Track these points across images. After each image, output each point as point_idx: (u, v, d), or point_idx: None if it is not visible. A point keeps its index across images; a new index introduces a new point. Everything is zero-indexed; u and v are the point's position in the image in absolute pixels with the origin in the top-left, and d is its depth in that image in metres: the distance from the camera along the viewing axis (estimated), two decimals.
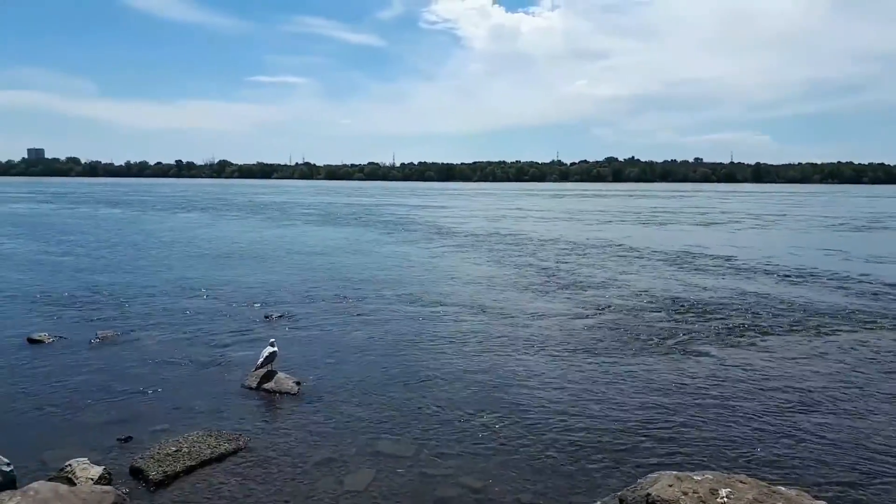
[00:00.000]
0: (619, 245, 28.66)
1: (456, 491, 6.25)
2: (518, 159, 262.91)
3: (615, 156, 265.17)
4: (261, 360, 9.17)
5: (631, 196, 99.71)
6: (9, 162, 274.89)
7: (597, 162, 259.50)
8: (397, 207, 61.95)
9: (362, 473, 6.58)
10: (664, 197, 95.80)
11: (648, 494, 5.29)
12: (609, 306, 14.95)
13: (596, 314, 14.15)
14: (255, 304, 14.85)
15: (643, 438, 7.53)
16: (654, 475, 5.68)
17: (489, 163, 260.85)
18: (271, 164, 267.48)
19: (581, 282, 18.47)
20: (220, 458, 6.83)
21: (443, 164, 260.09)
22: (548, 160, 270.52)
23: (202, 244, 28.23)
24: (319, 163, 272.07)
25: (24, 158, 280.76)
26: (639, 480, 5.77)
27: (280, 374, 9.24)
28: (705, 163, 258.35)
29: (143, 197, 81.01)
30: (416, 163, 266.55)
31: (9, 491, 5.76)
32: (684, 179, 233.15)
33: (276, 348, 9.26)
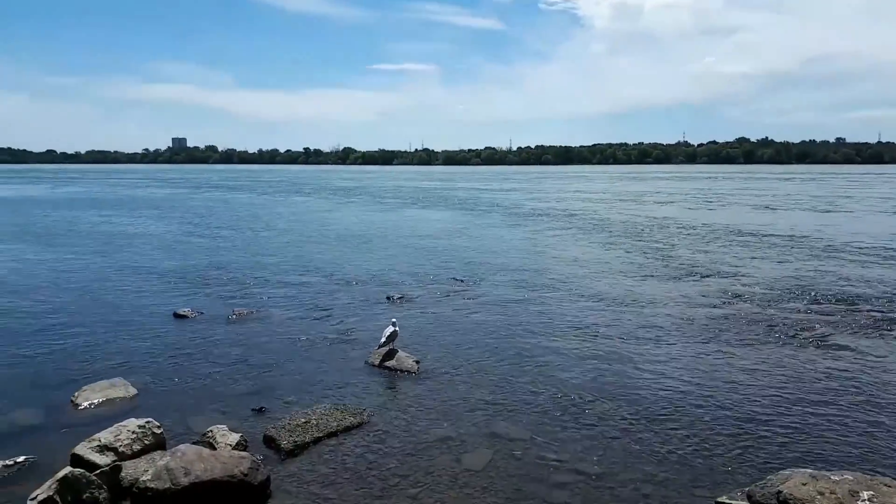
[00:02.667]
0: (749, 230, 27.06)
1: (573, 477, 6.20)
2: (641, 141, 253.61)
3: (746, 136, 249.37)
4: (383, 338, 9.49)
5: (764, 179, 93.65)
6: (156, 151, 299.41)
7: (727, 143, 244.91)
8: (509, 192, 61.71)
9: (480, 453, 6.67)
10: (802, 180, 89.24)
11: (780, 492, 5.02)
12: (737, 294, 14.19)
13: (722, 302, 13.49)
14: (376, 285, 15.36)
15: (772, 433, 7.12)
16: (786, 472, 5.38)
17: (609, 145, 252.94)
18: (392, 151, 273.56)
19: (705, 268, 17.64)
20: (346, 431, 7.16)
21: (560, 147, 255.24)
22: (673, 141, 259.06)
23: (322, 227, 29.52)
24: (437, 148, 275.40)
25: (168, 147, 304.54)
26: (768, 477, 5.49)
27: (401, 353, 9.52)
28: (848, 143, 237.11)
29: (270, 182, 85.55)
30: (532, 146, 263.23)
31: (160, 451, 6.37)
32: (824, 161, 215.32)
33: (397, 328, 9.55)
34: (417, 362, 9.38)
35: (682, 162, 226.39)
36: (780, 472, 5.46)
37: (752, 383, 8.71)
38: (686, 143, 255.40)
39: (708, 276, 16.38)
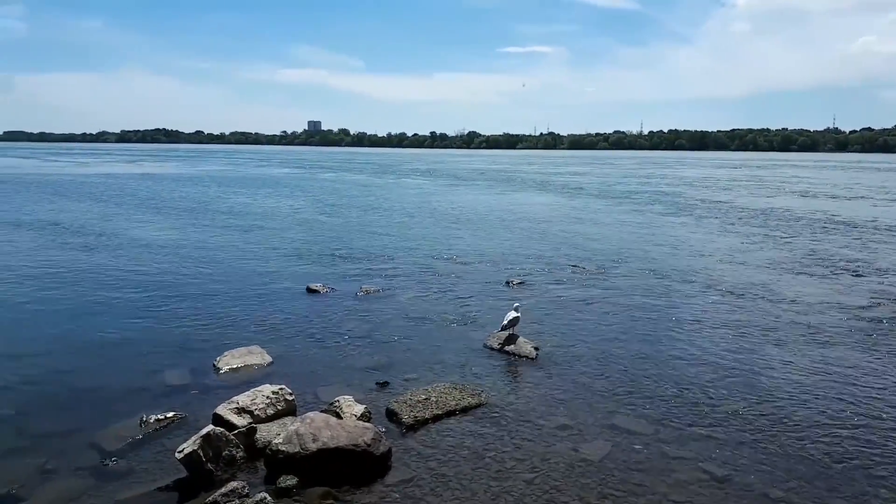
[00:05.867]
0: None
1: (696, 476, 5.96)
2: (785, 126, 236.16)
3: None
4: (504, 322, 9.52)
5: None
6: (293, 133, 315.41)
7: (884, 130, 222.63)
8: (631, 177, 59.62)
9: (598, 444, 6.56)
10: None
11: None
12: (889, 295, 12.98)
13: (870, 303, 12.38)
14: (494, 269, 15.42)
15: None
16: None
17: (750, 130, 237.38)
18: (516, 135, 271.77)
19: (853, 266, 16.23)
20: (464, 411, 7.28)
21: (696, 131, 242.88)
22: (821, 128, 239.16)
23: (443, 209, 29.92)
24: (563, 132, 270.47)
25: (304, 130, 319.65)
26: None
27: (521, 338, 9.52)
28: None
29: (395, 164, 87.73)
30: (665, 130, 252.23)
31: (290, 416, 6.79)
32: None
33: (519, 313, 9.54)
34: (537, 348, 9.34)
35: (830, 150, 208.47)
36: None
37: None
38: (836, 130, 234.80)
39: (859, 275, 15.08)
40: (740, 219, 26.81)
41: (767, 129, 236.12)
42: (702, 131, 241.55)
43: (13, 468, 5.93)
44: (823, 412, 7.37)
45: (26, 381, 8.07)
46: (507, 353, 9.30)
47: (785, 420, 7.16)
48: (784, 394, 7.91)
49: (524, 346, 9.36)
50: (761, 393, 7.94)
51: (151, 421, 6.80)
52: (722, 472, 6.02)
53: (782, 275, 15.16)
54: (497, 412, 7.33)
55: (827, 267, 16.09)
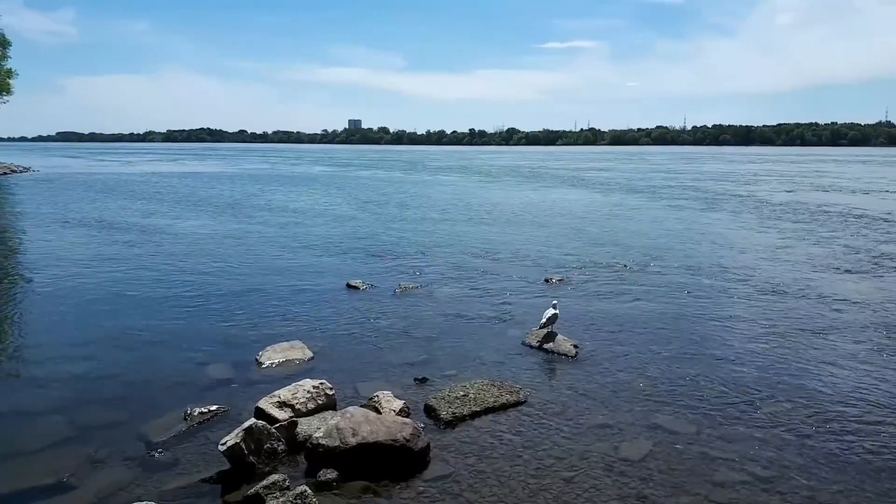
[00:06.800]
0: None
1: (739, 476, 5.84)
2: (833, 120, 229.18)
3: None
4: (543, 320, 9.46)
5: None
6: (333, 131, 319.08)
7: None
8: (673, 173, 58.59)
9: (638, 444, 6.47)
10: None
11: None
12: None
13: None
14: (533, 266, 15.33)
15: None
16: None
17: (797, 124, 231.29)
18: (556, 131, 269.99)
19: None
20: (502, 408, 7.26)
21: (740, 126, 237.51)
22: (872, 121, 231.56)
23: (479, 206, 29.88)
24: (604, 128, 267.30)
25: (345, 128, 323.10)
26: None
27: (559, 336, 9.45)
28: None
29: (429, 161, 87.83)
30: (709, 125, 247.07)
31: (331, 411, 6.86)
32: None
33: (557, 311, 9.47)
34: (576, 346, 9.26)
35: (882, 144, 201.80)
36: None
37: None
38: (889, 123, 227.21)
39: None
40: (783, 215, 26.14)
41: (816, 124, 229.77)
42: (746, 126, 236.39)
43: (65, 457, 6.12)
44: (872, 414, 7.15)
45: (76, 375, 8.33)
46: (546, 350, 9.24)
47: (831, 421, 6.97)
48: (830, 394, 7.70)
49: (563, 343, 9.29)
50: (806, 393, 7.74)
51: (195, 414, 6.95)
52: (766, 474, 5.88)
53: (826, 273, 14.75)
54: (536, 410, 7.29)
55: (873, 265, 15.60)
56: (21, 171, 57.88)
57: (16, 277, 14.65)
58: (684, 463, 6.10)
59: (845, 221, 24.16)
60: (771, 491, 5.62)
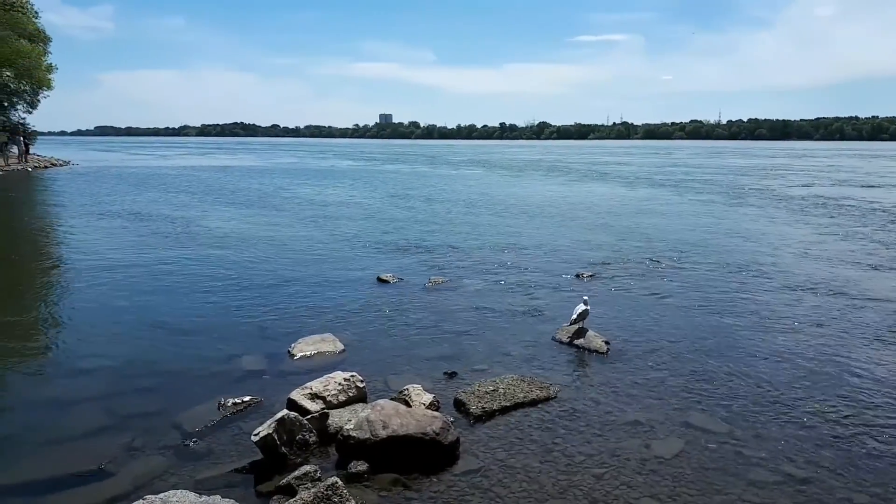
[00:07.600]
0: None
1: (774, 477, 5.74)
2: (875, 115, 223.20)
3: None
4: (574, 315, 9.39)
5: None
6: (365, 126, 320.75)
7: None
8: (707, 168, 57.63)
9: (670, 442, 6.40)
10: None
11: None
12: None
13: None
14: (563, 261, 15.23)
15: None
16: None
17: (836, 119, 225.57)
18: (588, 125, 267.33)
19: None
20: (532, 404, 7.23)
21: (777, 120, 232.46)
22: None
23: (508, 201, 29.74)
24: (637, 122, 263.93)
25: (376, 123, 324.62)
26: None
27: (590, 332, 9.38)
28: None
29: (457, 155, 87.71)
30: (745, 120, 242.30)
31: (361, 403, 6.91)
32: None
33: (588, 306, 9.40)
34: (607, 343, 9.18)
35: None
36: None
37: None
38: None
39: None
40: (819, 210, 25.57)
41: (856, 117, 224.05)
42: (783, 120, 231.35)
43: (103, 445, 6.26)
44: None
45: (113, 365, 8.50)
46: (577, 347, 9.18)
47: (871, 422, 6.80)
48: (869, 394, 7.52)
49: (594, 339, 9.22)
50: (844, 393, 7.57)
51: (229, 404, 7.06)
52: (802, 474, 5.77)
53: (864, 270, 14.38)
54: (566, 406, 7.25)
55: None
56: (62, 165, 59.29)
57: (55, 268, 15.00)
58: (717, 462, 6.01)
59: (884, 217, 23.54)
60: (806, 492, 5.51)
